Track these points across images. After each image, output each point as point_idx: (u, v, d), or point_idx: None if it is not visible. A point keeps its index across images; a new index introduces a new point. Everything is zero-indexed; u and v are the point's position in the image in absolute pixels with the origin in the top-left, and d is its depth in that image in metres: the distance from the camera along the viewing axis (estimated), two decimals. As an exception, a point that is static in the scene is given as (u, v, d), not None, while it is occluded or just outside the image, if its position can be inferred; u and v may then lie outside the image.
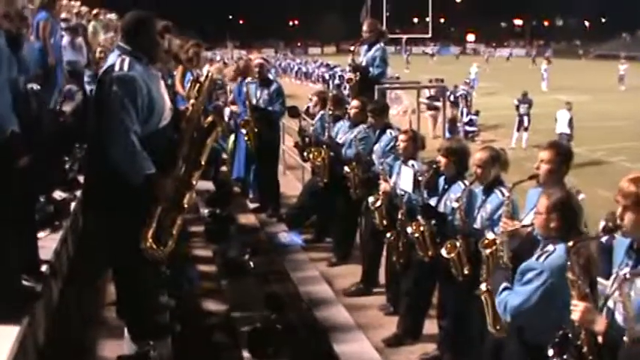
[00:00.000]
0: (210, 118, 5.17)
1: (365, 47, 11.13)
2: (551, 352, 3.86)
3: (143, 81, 4.87)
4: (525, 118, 25.90)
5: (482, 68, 47.61)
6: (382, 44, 11.15)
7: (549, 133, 21.76)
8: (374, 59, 10.87)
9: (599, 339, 3.74)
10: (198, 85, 5.19)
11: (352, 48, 11.56)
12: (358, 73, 10.94)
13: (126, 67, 4.87)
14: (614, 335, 3.66)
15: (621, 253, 3.99)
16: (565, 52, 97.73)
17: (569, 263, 3.90)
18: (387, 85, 11.79)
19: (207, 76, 5.32)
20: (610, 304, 3.84)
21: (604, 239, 5.72)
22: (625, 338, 3.51)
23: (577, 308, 3.78)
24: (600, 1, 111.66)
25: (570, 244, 3.95)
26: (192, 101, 5.15)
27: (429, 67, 60.26)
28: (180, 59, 7.40)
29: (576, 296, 3.84)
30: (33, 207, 5.95)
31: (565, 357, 3.78)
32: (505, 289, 4.94)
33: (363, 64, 10.94)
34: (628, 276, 3.66)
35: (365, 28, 11.14)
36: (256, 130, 10.77)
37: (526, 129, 25.71)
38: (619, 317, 3.73)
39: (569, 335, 3.84)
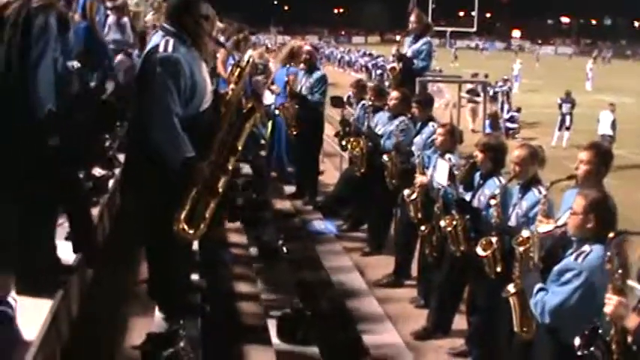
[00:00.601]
0: (249, 104, 5.18)
1: (410, 38, 11.10)
2: (577, 342, 3.86)
3: (187, 63, 4.87)
4: (567, 118, 25.67)
5: (524, 65, 47.13)
6: (429, 38, 11.12)
7: (591, 134, 21.53)
8: (420, 52, 10.82)
9: (629, 337, 3.73)
10: (239, 69, 5.21)
11: (398, 38, 11.52)
12: (401, 64, 10.92)
13: (170, 48, 4.86)
14: None
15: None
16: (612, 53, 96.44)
17: (608, 254, 3.88)
18: (429, 78, 11.75)
19: (248, 61, 5.33)
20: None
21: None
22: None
23: (610, 301, 3.77)
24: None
25: (611, 235, 3.95)
26: (232, 86, 5.15)
27: (478, 62, 60.13)
28: (221, 43, 7.41)
29: (611, 289, 3.82)
30: (77, 184, 5.95)
31: (592, 349, 3.78)
32: (540, 289, 4.91)
33: (408, 54, 10.90)
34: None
35: (412, 19, 11.09)
36: (297, 116, 10.81)
37: (568, 128, 25.49)
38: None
39: (599, 330, 3.83)
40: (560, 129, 25.59)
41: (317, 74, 11.01)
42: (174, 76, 4.79)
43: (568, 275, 4.70)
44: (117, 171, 7.64)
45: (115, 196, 7.74)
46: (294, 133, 10.97)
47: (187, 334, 4.82)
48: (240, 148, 5.07)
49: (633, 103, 36.06)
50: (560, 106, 26.00)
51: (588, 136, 20.56)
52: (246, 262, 7.71)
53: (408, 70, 10.78)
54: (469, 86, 25.96)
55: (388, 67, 12.71)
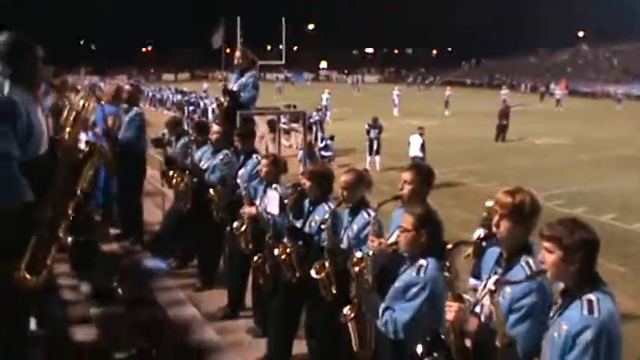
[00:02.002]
0: (86, 148, 5.12)
1: (236, 74, 11.26)
2: (420, 350, 4.11)
3: (23, 106, 4.77)
4: (375, 142, 26.30)
5: (334, 94, 48.45)
6: (254, 71, 11.33)
7: (402, 156, 22.41)
8: (246, 85, 10.98)
9: (467, 342, 4.02)
10: (74, 113, 5.12)
11: (225, 74, 11.63)
12: (228, 98, 11.05)
13: (6, 90, 4.77)
14: (485, 336, 3.95)
15: (491, 262, 4.32)
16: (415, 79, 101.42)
17: (447, 263, 4.15)
18: (248, 111, 11.98)
19: (83, 105, 5.25)
20: (477, 309, 4.13)
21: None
22: (497, 342, 3.77)
23: (452, 308, 4.03)
24: (446, 32, 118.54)
25: (450, 246, 4.24)
26: (68, 129, 5.08)
27: (290, 93, 62.39)
28: (56, 86, 7.27)
29: (451, 296, 4.08)
30: None
31: (435, 355, 4.03)
32: (386, 309, 5.10)
33: (234, 89, 11.02)
34: (493, 287, 3.93)
35: (237, 54, 11.26)
36: (114, 156, 10.71)
37: (377, 152, 26.17)
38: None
39: (442, 335, 4.10)
40: (370, 154, 26.28)
41: (132, 112, 10.97)
42: (10, 119, 4.68)
43: (414, 290, 4.92)
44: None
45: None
46: (115, 173, 10.86)
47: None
48: (78, 192, 4.99)
49: (438, 126, 37.79)
50: (368, 132, 26.66)
51: (401, 159, 21.49)
52: (82, 306, 7.56)
53: (235, 104, 10.92)
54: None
55: (216, 101, 12.81)
